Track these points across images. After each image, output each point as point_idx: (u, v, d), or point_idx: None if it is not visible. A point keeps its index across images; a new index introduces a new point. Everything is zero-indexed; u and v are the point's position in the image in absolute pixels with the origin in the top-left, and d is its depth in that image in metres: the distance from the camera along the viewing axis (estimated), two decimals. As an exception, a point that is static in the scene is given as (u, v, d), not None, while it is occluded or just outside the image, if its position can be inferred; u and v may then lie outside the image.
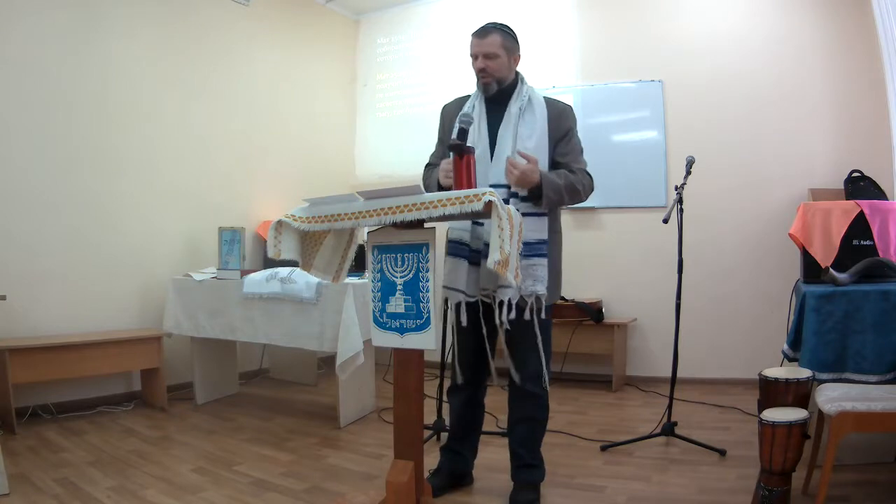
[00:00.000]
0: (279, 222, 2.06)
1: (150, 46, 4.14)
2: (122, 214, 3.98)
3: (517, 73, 2.38)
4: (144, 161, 4.10)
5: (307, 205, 2.09)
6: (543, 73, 4.80)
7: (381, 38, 5.66)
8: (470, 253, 2.24)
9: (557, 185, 2.20)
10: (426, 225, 2.00)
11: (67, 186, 3.72)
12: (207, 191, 4.46)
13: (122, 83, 3.99)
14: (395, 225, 2.00)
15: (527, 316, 2.14)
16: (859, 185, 3.56)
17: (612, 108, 4.59)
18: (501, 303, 2.11)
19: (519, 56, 2.37)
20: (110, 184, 3.92)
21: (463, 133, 2.14)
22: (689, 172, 3.07)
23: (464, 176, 2.06)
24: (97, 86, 3.86)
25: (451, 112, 2.42)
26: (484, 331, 2.31)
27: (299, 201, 2.14)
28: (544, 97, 2.35)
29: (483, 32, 2.30)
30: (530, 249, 2.18)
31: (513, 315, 2.11)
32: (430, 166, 2.49)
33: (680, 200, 3.01)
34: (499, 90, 2.32)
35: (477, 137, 2.29)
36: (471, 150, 2.09)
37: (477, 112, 2.33)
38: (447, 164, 2.19)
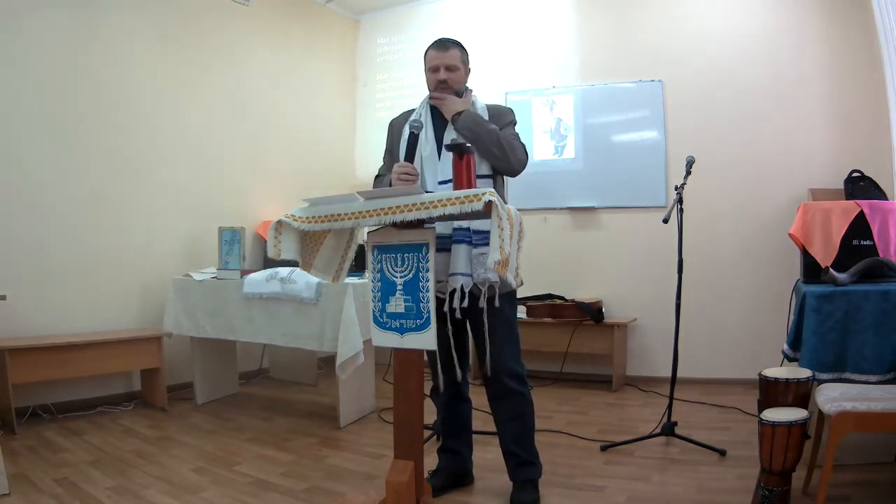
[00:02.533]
0: (279, 222, 2.06)
1: (150, 46, 4.15)
2: (122, 214, 3.98)
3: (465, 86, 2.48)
4: (144, 161, 4.10)
5: (307, 205, 2.08)
6: (543, 73, 4.81)
7: (381, 38, 5.66)
8: None
9: (479, 120, 2.29)
10: (426, 225, 2.00)
11: (67, 186, 3.72)
12: (207, 191, 4.46)
13: (122, 83, 3.99)
14: (395, 225, 2.00)
15: (481, 304, 2.14)
16: (859, 185, 3.56)
17: (612, 108, 4.59)
18: (454, 291, 2.11)
19: (470, 69, 2.49)
20: (110, 184, 3.92)
21: (413, 137, 2.29)
22: (689, 172, 3.07)
23: (464, 176, 2.06)
24: (97, 86, 3.86)
25: (400, 125, 2.49)
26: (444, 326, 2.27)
27: (299, 201, 2.14)
28: (486, 104, 2.45)
29: (443, 46, 2.40)
30: (481, 238, 2.20)
31: (465, 303, 2.10)
32: (380, 177, 2.53)
33: (680, 200, 3.01)
34: None
35: (424, 141, 2.37)
36: (470, 150, 2.09)
37: (424, 119, 2.42)
38: (400, 167, 2.26)
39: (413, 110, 2.49)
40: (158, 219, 4.18)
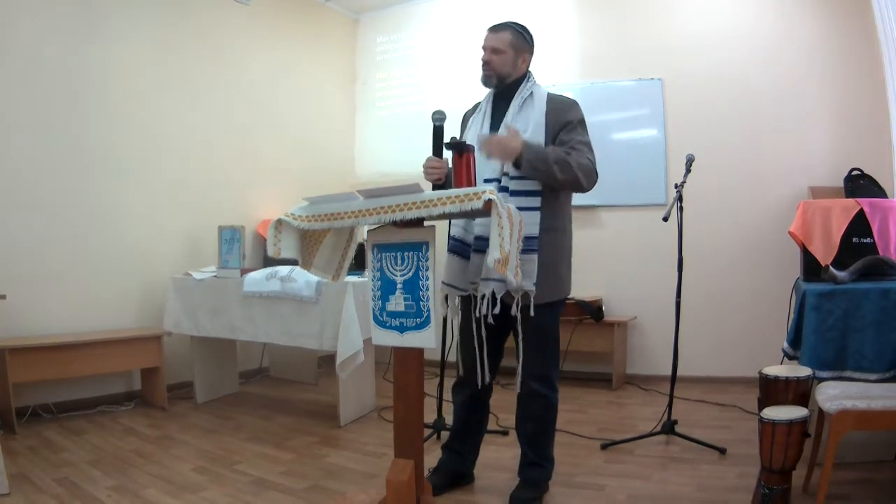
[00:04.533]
0: (279, 221, 2.06)
1: (150, 46, 4.14)
2: (122, 213, 3.97)
3: (528, 73, 2.38)
4: (144, 160, 4.10)
5: (307, 203, 2.08)
6: (543, 71, 4.77)
7: (380, 36, 5.66)
8: (462, 247, 2.25)
9: (543, 153, 2.12)
10: (426, 223, 2.00)
11: (67, 186, 3.71)
12: (207, 189, 4.46)
13: (122, 83, 3.98)
14: (394, 223, 2.00)
15: (513, 311, 2.11)
16: (859, 184, 3.56)
17: (612, 106, 4.59)
18: (483, 296, 2.09)
19: (528, 56, 2.38)
20: (110, 183, 3.91)
21: (438, 130, 2.24)
22: (688, 170, 3.07)
23: (464, 174, 2.06)
24: (97, 85, 3.86)
25: (469, 118, 2.47)
26: (474, 326, 2.25)
27: (299, 200, 2.14)
28: (550, 93, 2.34)
29: (497, 28, 2.35)
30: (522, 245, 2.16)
31: (497, 310, 2.08)
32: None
33: (680, 198, 3.01)
34: (506, 86, 2.34)
35: (479, 132, 2.31)
36: (470, 149, 2.09)
37: (483, 108, 2.38)
38: (429, 161, 2.24)
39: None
40: (158, 218, 4.17)
